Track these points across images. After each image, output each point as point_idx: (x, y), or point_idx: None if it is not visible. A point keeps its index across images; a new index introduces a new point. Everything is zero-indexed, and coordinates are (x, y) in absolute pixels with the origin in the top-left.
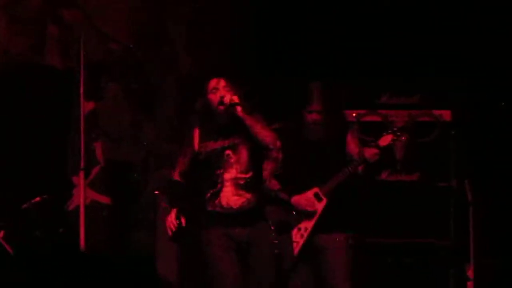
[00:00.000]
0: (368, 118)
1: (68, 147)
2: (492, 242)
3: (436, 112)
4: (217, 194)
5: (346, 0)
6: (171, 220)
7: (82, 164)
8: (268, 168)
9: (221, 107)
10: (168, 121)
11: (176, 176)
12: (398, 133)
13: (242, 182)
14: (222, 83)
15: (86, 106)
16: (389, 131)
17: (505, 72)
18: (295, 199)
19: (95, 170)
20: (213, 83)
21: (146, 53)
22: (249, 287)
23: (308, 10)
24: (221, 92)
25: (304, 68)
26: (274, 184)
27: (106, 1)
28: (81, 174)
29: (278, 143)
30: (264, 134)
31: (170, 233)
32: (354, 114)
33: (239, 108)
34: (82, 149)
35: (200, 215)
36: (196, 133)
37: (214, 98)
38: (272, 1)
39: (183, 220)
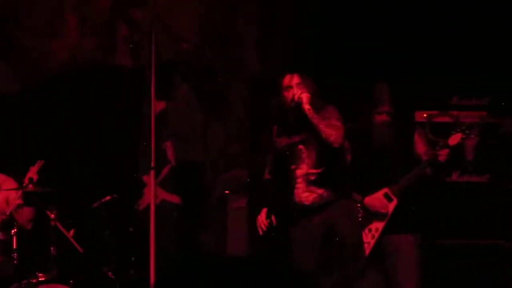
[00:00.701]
0: (439, 119)
1: (139, 146)
2: None
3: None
4: (292, 190)
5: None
6: (262, 219)
7: (152, 163)
8: None
9: (293, 104)
10: (238, 121)
11: (267, 175)
12: (467, 131)
13: (313, 177)
14: (296, 80)
15: (157, 106)
16: (458, 130)
17: None
18: (368, 200)
19: (166, 170)
20: (286, 80)
21: (215, 53)
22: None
23: (377, 10)
24: (294, 89)
25: (372, 69)
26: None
27: (175, 0)
28: (152, 173)
29: (342, 141)
30: (329, 132)
31: (260, 232)
32: (425, 115)
33: (306, 107)
34: (153, 149)
35: (281, 211)
36: (275, 130)
37: (287, 95)
38: (339, 2)
39: (273, 219)
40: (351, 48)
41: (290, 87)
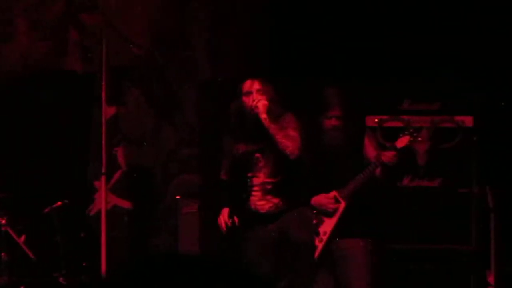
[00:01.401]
0: (390, 124)
1: (90, 151)
2: None
3: (458, 118)
4: (247, 197)
5: (369, 3)
6: (224, 219)
7: (104, 169)
8: None
9: (253, 112)
10: (188, 126)
11: (223, 175)
12: (415, 134)
13: (269, 187)
14: (256, 86)
15: (108, 111)
16: (406, 133)
17: None
18: (315, 199)
19: (117, 175)
20: (247, 85)
21: (166, 57)
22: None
23: (329, 13)
24: (254, 95)
25: (323, 73)
26: None
27: (127, 5)
28: (103, 178)
29: (298, 153)
30: (285, 144)
31: (224, 230)
32: (375, 120)
33: (262, 116)
34: (104, 154)
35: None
36: (231, 136)
37: (247, 101)
38: (293, 4)
39: (236, 219)
40: (302, 51)
41: (250, 92)
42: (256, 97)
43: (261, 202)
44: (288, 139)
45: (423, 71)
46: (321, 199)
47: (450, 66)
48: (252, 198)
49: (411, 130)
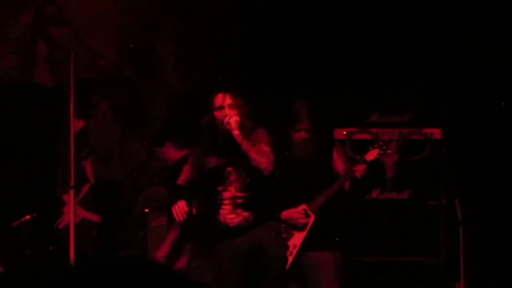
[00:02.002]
0: (359, 136)
1: (58, 165)
2: (482, 260)
3: (427, 131)
4: (217, 210)
5: (335, 16)
6: (182, 206)
7: (72, 182)
8: None
9: (223, 127)
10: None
11: (180, 181)
12: (384, 147)
13: (240, 201)
14: (228, 100)
15: (76, 124)
16: (375, 145)
17: (496, 91)
18: (285, 213)
19: (85, 188)
20: (219, 100)
21: (135, 70)
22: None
23: (296, 27)
24: (225, 110)
25: (292, 86)
26: None
27: (95, 18)
28: (71, 192)
29: (272, 168)
30: (258, 160)
31: (181, 219)
32: (344, 132)
33: (235, 132)
34: (72, 167)
35: (207, 229)
36: (193, 153)
37: (219, 115)
38: (259, 19)
39: (194, 209)
40: (270, 64)
41: (222, 107)
42: (228, 112)
43: (231, 216)
44: (262, 155)
45: (392, 83)
46: (291, 213)
47: (419, 78)
48: (221, 211)
49: (380, 143)
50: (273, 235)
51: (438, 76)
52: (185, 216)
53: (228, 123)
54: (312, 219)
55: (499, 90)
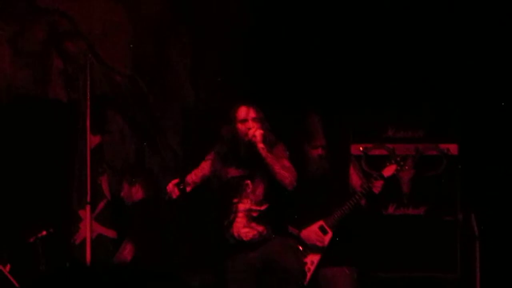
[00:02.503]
0: (375, 152)
1: (75, 181)
2: (498, 276)
3: (443, 146)
4: (231, 223)
5: (351, 33)
6: (174, 182)
7: (88, 198)
8: None
9: (247, 139)
10: (172, 152)
11: (194, 176)
12: (402, 163)
13: (255, 214)
14: (252, 114)
15: (92, 140)
16: (392, 161)
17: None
18: (305, 233)
19: (101, 204)
20: (242, 113)
21: (149, 84)
22: None
23: (312, 42)
24: (249, 123)
25: (307, 101)
26: None
27: (110, 33)
28: (88, 208)
29: (296, 183)
30: (283, 175)
31: (174, 196)
32: (361, 148)
33: (260, 145)
34: (89, 183)
35: (219, 243)
36: (213, 156)
37: (242, 128)
38: (273, 32)
39: (187, 188)
40: (286, 79)
41: (245, 120)
42: (252, 125)
43: (245, 230)
44: (286, 170)
45: (407, 98)
46: (310, 235)
47: (435, 93)
48: (235, 224)
49: (397, 158)
50: (286, 248)
51: (454, 91)
52: (178, 193)
53: (254, 136)
54: (329, 235)
55: None
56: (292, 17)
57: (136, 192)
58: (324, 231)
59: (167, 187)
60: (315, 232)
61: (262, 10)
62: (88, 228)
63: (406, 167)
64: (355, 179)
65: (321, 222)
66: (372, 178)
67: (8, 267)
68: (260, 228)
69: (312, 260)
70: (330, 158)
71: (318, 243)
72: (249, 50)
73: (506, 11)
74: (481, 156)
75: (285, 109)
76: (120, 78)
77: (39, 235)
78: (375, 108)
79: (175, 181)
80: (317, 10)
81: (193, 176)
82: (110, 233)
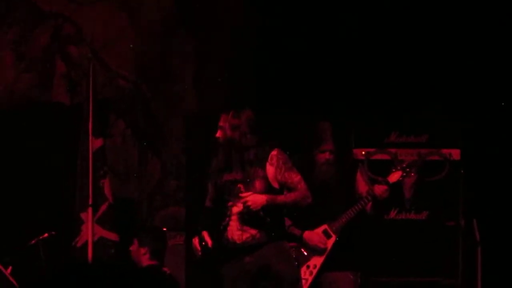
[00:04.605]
0: (377, 157)
1: (76, 183)
2: (499, 281)
3: (445, 151)
4: (225, 227)
5: (353, 39)
6: (196, 243)
7: (90, 200)
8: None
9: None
10: (174, 158)
11: (208, 202)
12: (407, 169)
13: (248, 217)
14: (230, 120)
15: (94, 143)
16: (398, 168)
17: None
18: (307, 235)
19: (103, 207)
20: (221, 119)
21: (152, 89)
22: None
23: (315, 47)
24: (243, 128)
25: (311, 107)
26: (285, 220)
27: (113, 38)
28: (89, 210)
29: (310, 194)
30: (294, 203)
31: (199, 254)
32: (363, 153)
33: (259, 210)
34: (90, 186)
35: (216, 248)
36: (215, 163)
37: (233, 134)
38: (279, 39)
39: (209, 241)
40: (291, 85)
41: (237, 126)
42: (245, 129)
43: (238, 233)
44: (293, 194)
45: (410, 103)
46: (313, 237)
47: (437, 98)
48: (229, 228)
49: (403, 165)
50: (281, 254)
51: (457, 97)
52: (199, 252)
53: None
54: (333, 239)
55: None
56: (298, 23)
57: (144, 255)
58: (327, 235)
59: (193, 244)
60: (317, 234)
61: (267, 16)
62: (89, 231)
63: (412, 174)
64: (362, 185)
65: (325, 226)
66: (377, 184)
67: (9, 269)
68: (253, 231)
69: (315, 264)
70: (337, 164)
71: (320, 245)
72: (253, 57)
73: (506, 11)
74: (484, 161)
75: (290, 114)
76: (123, 83)
77: (41, 237)
78: (378, 113)
79: (196, 239)
80: (322, 16)
81: (208, 202)
82: (112, 236)
